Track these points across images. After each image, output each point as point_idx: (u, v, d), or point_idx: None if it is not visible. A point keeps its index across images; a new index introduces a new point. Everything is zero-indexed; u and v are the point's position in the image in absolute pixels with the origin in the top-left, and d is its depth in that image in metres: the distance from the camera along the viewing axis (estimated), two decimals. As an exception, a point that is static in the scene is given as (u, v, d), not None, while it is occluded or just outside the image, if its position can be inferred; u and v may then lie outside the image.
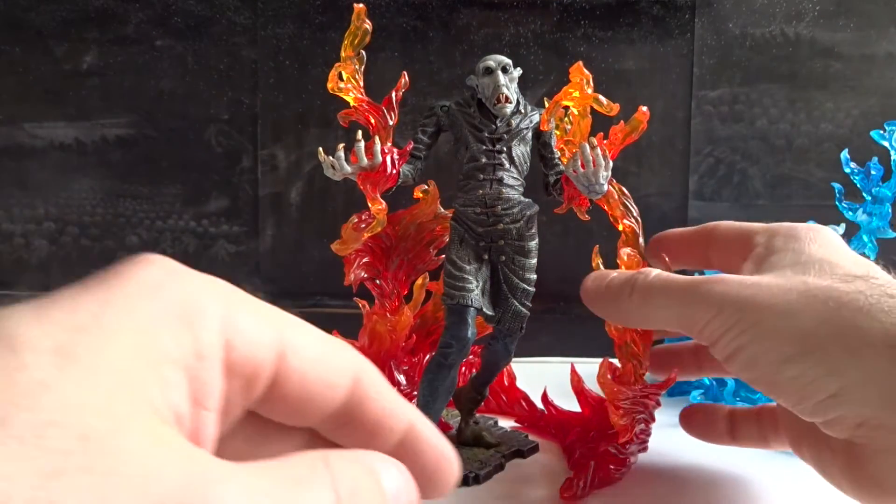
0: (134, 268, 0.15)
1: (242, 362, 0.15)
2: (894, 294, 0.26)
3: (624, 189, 0.36)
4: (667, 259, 0.36)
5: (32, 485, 0.11)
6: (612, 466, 0.36)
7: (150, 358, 0.14)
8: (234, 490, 0.12)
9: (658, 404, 0.37)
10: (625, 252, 0.36)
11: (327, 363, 0.16)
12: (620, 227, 0.37)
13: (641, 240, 0.37)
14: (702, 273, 0.39)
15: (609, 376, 0.35)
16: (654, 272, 0.32)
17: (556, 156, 0.38)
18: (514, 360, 0.41)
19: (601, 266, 0.37)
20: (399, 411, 0.17)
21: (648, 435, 0.38)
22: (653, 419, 0.37)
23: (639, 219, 0.37)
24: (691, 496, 0.36)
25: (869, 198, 0.45)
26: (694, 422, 0.38)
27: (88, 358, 0.13)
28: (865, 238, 0.45)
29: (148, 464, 0.12)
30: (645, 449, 0.38)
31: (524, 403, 0.45)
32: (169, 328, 0.14)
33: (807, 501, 0.36)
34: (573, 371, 0.41)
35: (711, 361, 0.37)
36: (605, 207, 0.37)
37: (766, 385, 0.27)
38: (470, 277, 0.36)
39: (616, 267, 0.36)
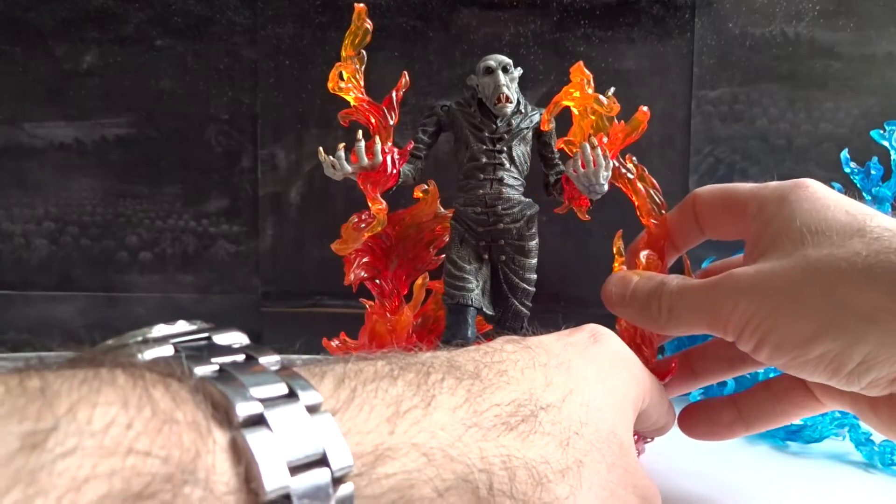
0: (606, 339, 0.29)
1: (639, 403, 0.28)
2: (892, 248, 0.26)
3: (655, 182, 0.36)
4: (643, 262, 0.36)
5: (560, 460, 0.21)
6: None
7: (629, 401, 0.27)
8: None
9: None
10: (644, 255, 0.36)
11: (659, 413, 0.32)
12: (644, 222, 0.37)
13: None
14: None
15: None
16: (676, 280, 0.32)
17: (557, 156, 0.38)
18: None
19: (622, 251, 0.37)
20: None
21: None
22: None
23: (665, 213, 0.37)
24: (692, 494, 0.36)
25: (869, 198, 0.45)
26: (696, 420, 0.36)
27: (614, 393, 0.26)
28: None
29: (637, 469, 0.25)
30: (652, 438, 0.38)
31: None
32: (633, 385, 0.28)
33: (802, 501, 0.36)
34: None
35: (706, 364, 0.37)
36: (633, 199, 0.36)
37: (797, 368, 0.28)
38: (470, 277, 0.36)
39: (630, 266, 0.37)
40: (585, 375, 0.25)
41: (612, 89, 0.36)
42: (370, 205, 0.36)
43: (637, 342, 0.36)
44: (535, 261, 0.37)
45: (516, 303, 0.37)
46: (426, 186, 0.41)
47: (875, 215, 0.28)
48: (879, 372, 0.26)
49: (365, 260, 0.41)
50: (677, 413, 0.38)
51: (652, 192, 0.36)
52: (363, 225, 0.37)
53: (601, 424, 0.24)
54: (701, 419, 0.36)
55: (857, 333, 0.25)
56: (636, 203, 0.37)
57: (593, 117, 0.36)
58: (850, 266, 0.26)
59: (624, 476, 0.24)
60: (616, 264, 0.37)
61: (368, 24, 0.36)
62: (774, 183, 0.32)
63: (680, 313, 0.31)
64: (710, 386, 0.49)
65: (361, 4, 0.36)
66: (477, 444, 0.19)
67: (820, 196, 0.30)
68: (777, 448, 0.43)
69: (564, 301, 0.61)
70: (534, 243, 0.37)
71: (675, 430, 0.39)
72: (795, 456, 0.42)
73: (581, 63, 0.36)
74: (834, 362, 0.26)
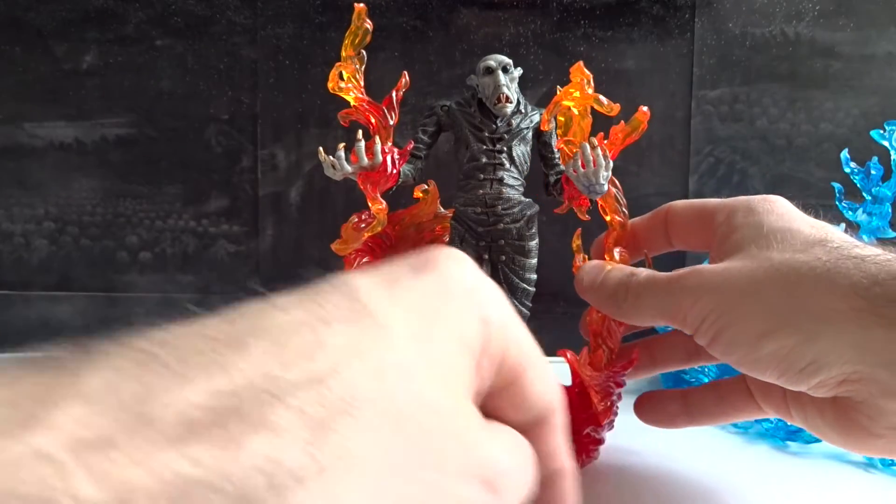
0: (450, 263, 0.20)
1: (496, 368, 0.20)
2: (850, 255, 0.27)
3: (615, 180, 0.37)
4: (616, 259, 0.37)
5: (302, 458, 0.14)
6: (591, 447, 0.38)
7: (465, 350, 0.19)
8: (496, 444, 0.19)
9: (623, 384, 0.38)
10: (617, 251, 0.37)
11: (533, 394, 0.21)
12: (608, 219, 0.38)
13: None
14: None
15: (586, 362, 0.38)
16: (645, 273, 0.33)
17: (557, 156, 0.38)
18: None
19: (582, 248, 0.38)
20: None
21: (616, 415, 0.39)
22: (620, 399, 0.39)
23: (626, 212, 0.38)
24: (692, 494, 0.36)
25: (869, 197, 0.45)
26: (646, 407, 0.39)
27: (433, 347, 0.18)
28: (865, 238, 0.45)
29: (472, 442, 0.18)
30: (612, 427, 0.39)
31: None
32: (474, 327, 0.19)
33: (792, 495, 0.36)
34: None
35: (665, 354, 0.39)
36: (598, 200, 0.37)
37: (748, 364, 0.29)
38: (470, 277, 0.36)
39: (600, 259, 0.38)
40: (388, 326, 0.18)
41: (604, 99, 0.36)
42: (370, 205, 0.36)
43: (603, 334, 0.37)
44: (535, 261, 0.37)
45: (516, 303, 0.37)
46: (426, 186, 0.41)
47: (834, 230, 0.30)
48: (829, 373, 0.26)
49: (365, 260, 0.41)
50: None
51: (615, 191, 0.37)
52: (363, 225, 0.37)
53: (400, 394, 0.17)
54: (650, 407, 0.39)
55: (810, 332, 0.26)
56: (601, 203, 0.38)
57: (562, 119, 0.37)
58: (811, 269, 0.27)
59: (442, 456, 0.17)
60: (576, 261, 0.38)
61: (368, 24, 0.36)
62: (743, 197, 0.33)
63: (643, 303, 0.32)
64: (700, 378, 0.49)
65: (361, 4, 0.36)
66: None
67: (786, 210, 0.32)
68: (777, 448, 0.43)
69: (564, 301, 0.61)
70: (534, 243, 0.37)
71: (674, 433, 0.40)
72: (795, 456, 0.42)
73: (581, 63, 0.36)
74: (785, 360, 0.27)
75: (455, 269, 0.20)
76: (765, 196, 0.33)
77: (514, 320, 0.21)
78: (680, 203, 0.37)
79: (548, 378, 0.22)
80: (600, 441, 0.39)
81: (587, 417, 0.39)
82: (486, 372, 0.20)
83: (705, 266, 0.31)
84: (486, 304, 0.20)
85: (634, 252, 0.38)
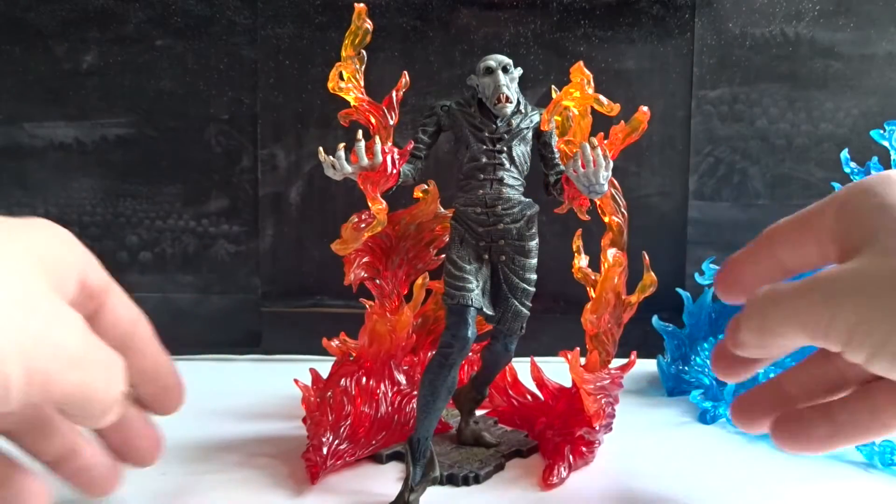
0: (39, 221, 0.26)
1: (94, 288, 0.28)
2: None
3: (615, 181, 0.37)
4: (609, 260, 0.37)
5: None
6: (584, 449, 0.38)
7: (36, 265, 0.25)
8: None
9: (621, 386, 0.38)
10: (610, 253, 0.37)
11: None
12: (607, 220, 0.37)
13: (625, 236, 0.38)
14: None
15: (580, 364, 0.38)
16: (765, 288, 0.27)
17: (557, 156, 0.38)
18: (514, 359, 0.41)
19: (581, 249, 0.38)
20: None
21: (613, 417, 0.39)
22: (616, 401, 0.39)
23: (626, 213, 0.38)
24: (692, 494, 0.36)
25: (869, 198, 0.44)
26: (785, 435, 0.31)
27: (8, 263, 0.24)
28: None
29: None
30: (610, 429, 0.39)
31: (497, 395, 0.46)
32: (48, 256, 0.25)
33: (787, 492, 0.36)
34: (533, 364, 0.44)
35: (801, 388, 0.31)
36: (596, 200, 0.37)
37: None
38: (470, 277, 0.36)
39: (599, 265, 0.38)
40: None
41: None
42: (370, 204, 0.36)
43: (600, 337, 0.37)
44: (535, 261, 0.37)
45: (516, 303, 0.37)
46: (426, 186, 0.41)
47: None
48: None
49: (365, 259, 0.41)
50: (679, 411, 0.39)
51: (613, 192, 0.37)
52: (363, 225, 0.37)
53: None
54: (791, 434, 0.31)
55: None
56: (599, 204, 0.38)
57: (558, 118, 0.37)
58: None
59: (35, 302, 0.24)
60: (575, 262, 0.38)
61: (368, 24, 0.36)
62: (852, 183, 0.28)
63: (772, 325, 0.26)
64: (711, 385, 0.49)
65: (361, 4, 0.36)
66: None
67: None
68: (777, 448, 0.43)
69: (564, 301, 0.61)
70: (534, 243, 0.37)
71: (675, 434, 0.39)
72: (795, 456, 0.42)
73: (581, 63, 0.36)
74: None
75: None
76: (878, 174, 0.27)
77: (85, 258, 0.28)
78: (782, 222, 0.29)
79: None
80: (593, 443, 0.39)
81: (581, 419, 0.39)
82: (69, 284, 0.27)
83: (834, 270, 0.25)
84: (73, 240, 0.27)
85: (742, 294, 0.30)
